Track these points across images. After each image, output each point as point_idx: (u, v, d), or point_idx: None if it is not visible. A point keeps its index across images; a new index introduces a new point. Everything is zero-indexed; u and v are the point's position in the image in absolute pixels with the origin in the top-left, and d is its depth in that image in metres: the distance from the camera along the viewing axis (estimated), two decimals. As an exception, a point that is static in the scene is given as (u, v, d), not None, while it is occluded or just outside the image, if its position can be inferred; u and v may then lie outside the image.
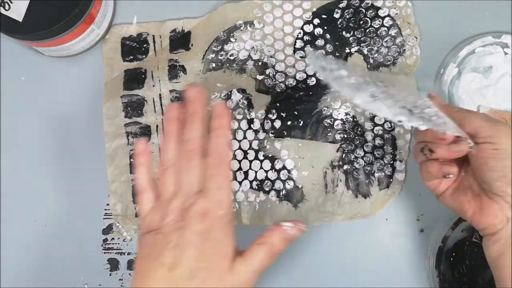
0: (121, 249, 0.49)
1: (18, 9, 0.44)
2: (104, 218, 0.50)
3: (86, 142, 0.50)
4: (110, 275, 0.49)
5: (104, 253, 0.49)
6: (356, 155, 0.49)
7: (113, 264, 0.49)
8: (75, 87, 0.51)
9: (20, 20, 0.44)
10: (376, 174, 0.48)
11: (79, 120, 0.50)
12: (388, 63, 0.49)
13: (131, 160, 0.49)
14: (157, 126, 0.49)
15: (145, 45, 0.50)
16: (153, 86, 0.50)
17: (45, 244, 0.49)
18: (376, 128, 0.49)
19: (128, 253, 0.49)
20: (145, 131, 0.49)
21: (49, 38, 0.46)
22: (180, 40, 0.50)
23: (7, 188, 0.50)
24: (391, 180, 0.48)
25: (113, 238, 0.49)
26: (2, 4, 0.44)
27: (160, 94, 0.50)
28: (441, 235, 0.47)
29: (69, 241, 0.49)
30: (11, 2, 0.44)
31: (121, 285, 0.49)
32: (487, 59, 0.48)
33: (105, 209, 0.50)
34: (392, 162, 0.48)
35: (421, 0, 0.50)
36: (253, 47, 0.50)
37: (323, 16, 0.50)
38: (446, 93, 0.49)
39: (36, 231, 0.50)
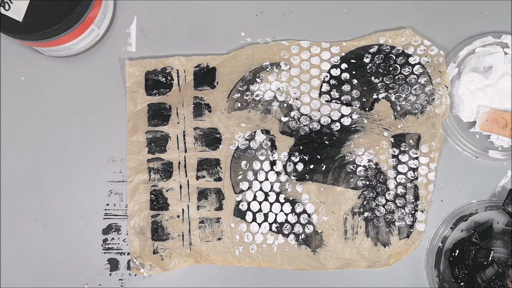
0: (121, 249, 0.50)
1: (18, 9, 0.44)
2: (104, 218, 0.50)
3: (86, 142, 0.50)
4: (110, 275, 0.50)
5: (104, 253, 0.50)
6: (377, 202, 0.48)
7: (113, 264, 0.50)
8: (75, 87, 0.50)
9: (20, 20, 0.44)
10: (396, 223, 0.48)
11: (79, 120, 0.50)
12: (416, 111, 0.48)
13: (152, 196, 0.49)
14: (179, 163, 0.49)
15: (169, 79, 0.50)
16: (178, 123, 0.49)
17: (45, 244, 0.50)
18: (399, 176, 0.48)
19: (128, 253, 0.50)
20: (167, 168, 0.49)
21: (49, 38, 0.45)
22: (205, 77, 0.50)
23: (7, 188, 0.50)
24: (411, 230, 0.48)
25: (113, 238, 0.50)
26: (2, 4, 0.43)
27: (184, 131, 0.49)
28: (440, 235, 0.48)
29: (69, 241, 0.50)
30: (11, 2, 0.44)
31: (121, 285, 0.50)
32: (487, 59, 0.48)
33: (105, 209, 0.50)
34: (413, 212, 0.48)
35: (421, 0, 0.50)
36: (279, 89, 0.49)
37: (352, 60, 0.49)
38: (447, 93, 0.48)
39: (36, 231, 0.50)
